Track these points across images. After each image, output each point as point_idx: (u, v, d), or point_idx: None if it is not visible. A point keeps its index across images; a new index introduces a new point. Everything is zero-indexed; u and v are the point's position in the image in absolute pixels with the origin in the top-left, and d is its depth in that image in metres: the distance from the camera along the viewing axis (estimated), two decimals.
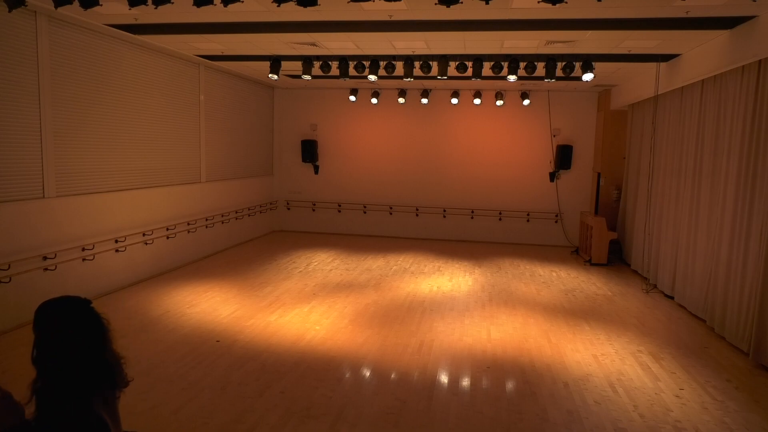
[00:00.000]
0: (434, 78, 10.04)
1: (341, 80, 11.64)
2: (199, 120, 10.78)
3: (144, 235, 8.97)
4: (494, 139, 13.56)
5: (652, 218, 9.80)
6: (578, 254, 12.39)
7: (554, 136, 13.25)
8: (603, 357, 6.15)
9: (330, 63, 9.47)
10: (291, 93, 14.36)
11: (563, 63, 8.76)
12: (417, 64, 9.23)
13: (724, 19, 6.43)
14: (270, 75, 9.67)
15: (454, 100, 12.87)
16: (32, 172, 6.90)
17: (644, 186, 10.23)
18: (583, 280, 9.91)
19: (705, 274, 7.58)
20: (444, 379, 5.52)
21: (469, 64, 9.14)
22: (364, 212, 14.29)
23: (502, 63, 8.94)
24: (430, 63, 9.16)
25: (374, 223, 14.24)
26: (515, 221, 13.61)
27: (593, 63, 8.61)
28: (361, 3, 6.02)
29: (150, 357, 5.78)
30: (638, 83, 10.40)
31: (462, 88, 13.01)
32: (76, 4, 5.42)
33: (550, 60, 8.74)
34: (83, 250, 7.60)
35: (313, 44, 8.49)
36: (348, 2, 5.92)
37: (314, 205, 14.49)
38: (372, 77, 9.54)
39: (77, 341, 1.92)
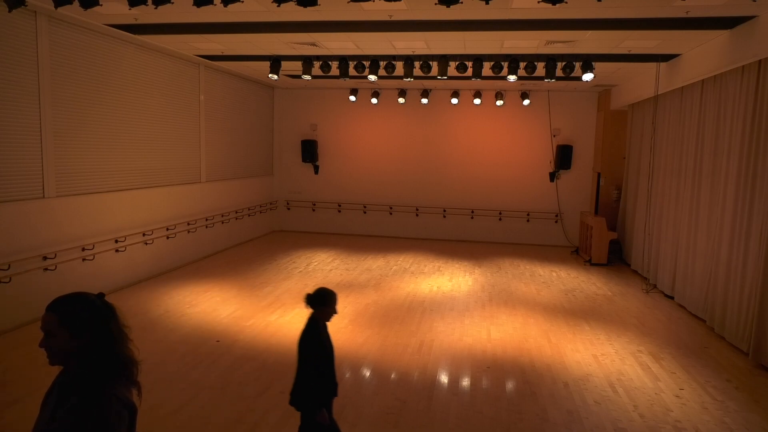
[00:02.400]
0: (434, 78, 10.04)
1: (341, 80, 11.64)
2: (199, 120, 10.78)
3: (144, 235, 8.97)
4: (494, 139, 13.56)
5: (652, 218, 9.80)
6: (578, 254, 12.39)
7: (554, 136, 13.25)
8: (603, 357, 6.15)
9: (330, 63, 9.47)
10: (291, 93, 14.36)
11: (563, 63, 8.76)
12: (417, 64, 9.23)
13: (724, 19, 6.43)
14: (270, 75, 9.67)
15: (454, 100, 12.87)
16: (32, 172, 6.90)
17: (644, 186, 10.24)
18: (583, 280, 9.91)
19: (705, 274, 7.58)
20: (444, 379, 5.52)
21: (469, 64, 9.14)
22: (364, 212, 14.29)
23: (502, 63, 8.94)
24: (430, 63, 9.16)
25: (374, 223, 14.24)
26: (515, 221, 13.61)
27: (593, 63, 8.61)
28: (361, 3, 6.02)
29: (150, 357, 5.78)
30: (638, 83, 10.40)
31: (462, 88, 13.01)
32: (76, 4, 5.43)
33: (550, 60, 8.74)
34: (83, 250, 7.60)
35: (313, 44, 8.49)
36: (348, 2, 5.93)
37: (314, 205, 14.49)
38: (372, 77, 9.54)
39: (110, 333, 1.96)
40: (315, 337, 3.54)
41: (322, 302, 3.54)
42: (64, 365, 1.95)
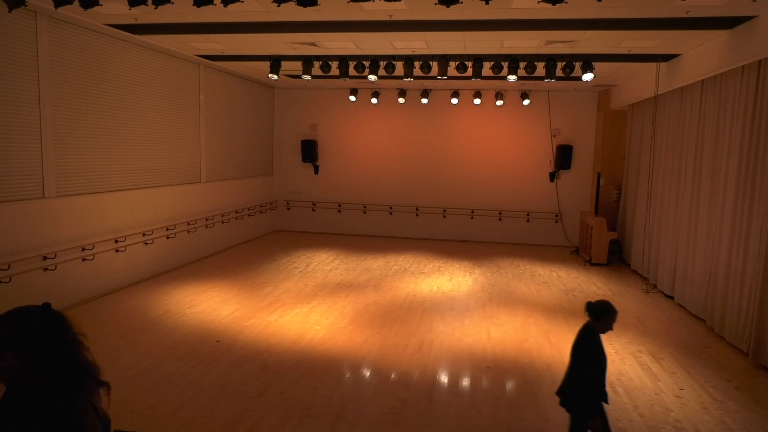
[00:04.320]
0: (434, 78, 10.04)
1: (341, 80, 11.64)
2: (199, 120, 10.78)
3: (144, 235, 8.97)
4: (494, 139, 13.56)
5: (652, 218, 9.80)
6: (578, 254, 12.39)
7: (554, 136, 13.25)
8: None
9: (330, 63, 9.47)
10: (291, 93, 14.36)
11: (563, 63, 8.76)
12: (417, 64, 9.23)
13: (724, 19, 6.43)
14: (270, 75, 9.68)
15: (454, 100, 12.87)
16: (32, 172, 6.90)
17: (644, 186, 10.23)
18: (583, 280, 9.91)
19: (705, 274, 7.58)
20: (444, 379, 5.52)
21: (469, 64, 9.14)
22: (364, 212, 14.29)
23: (502, 63, 8.94)
24: (430, 63, 9.16)
25: (374, 223, 14.24)
26: (515, 221, 13.61)
27: (593, 63, 8.61)
28: (361, 3, 6.02)
29: (150, 357, 5.78)
30: (638, 83, 10.40)
31: (462, 88, 13.01)
32: (76, 4, 5.43)
33: (550, 60, 8.74)
34: (83, 250, 7.60)
35: (313, 44, 8.49)
36: (348, 2, 5.93)
37: (314, 205, 14.49)
38: (372, 77, 9.54)
39: (60, 345, 1.85)
40: (591, 346, 3.63)
41: (602, 315, 3.64)
42: (12, 384, 1.81)
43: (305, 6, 5.27)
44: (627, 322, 7.48)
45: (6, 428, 1.77)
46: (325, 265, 10.55)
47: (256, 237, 13.45)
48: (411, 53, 8.94)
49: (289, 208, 14.63)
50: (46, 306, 1.88)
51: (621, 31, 7.07)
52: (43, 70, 6.95)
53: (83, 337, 1.90)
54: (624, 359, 6.09)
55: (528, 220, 13.56)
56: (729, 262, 6.87)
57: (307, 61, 9.41)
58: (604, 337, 3.65)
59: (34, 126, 6.90)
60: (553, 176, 13.28)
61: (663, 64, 8.97)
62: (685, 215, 8.41)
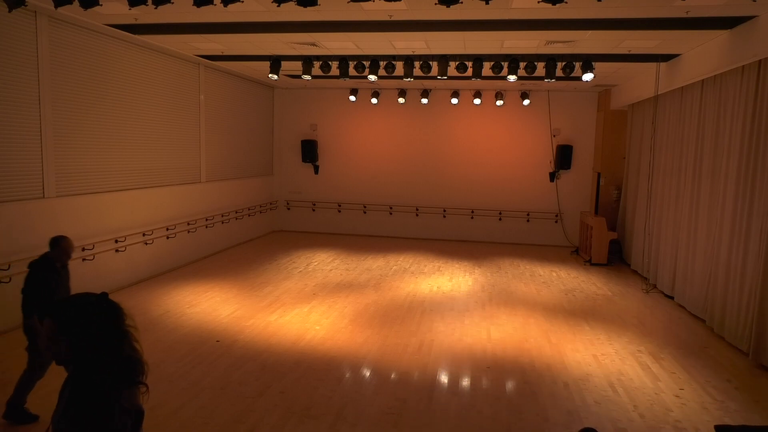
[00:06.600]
0: (434, 78, 10.04)
1: (341, 80, 11.64)
2: (199, 120, 10.77)
3: (144, 235, 8.97)
4: (494, 139, 13.56)
5: (652, 218, 9.80)
6: (578, 254, 12.39)
7: (554, 136, 13.25)
8: (603, 357, 6.15)
9: (330, 63, 9.47)
10: (291, 93, 14.36)
11: (563, 63, 8.76)
12: (417, 64, 9.23)
13: (724, 19, 6.43)
14: (270, 75, 9.68)
15: (454, 100, 12.87)
16: (32, 172, 6.90)
17: (644, 186, 10.23)
18: (583, 280, 9.91)
19: (705, 274, 7.58)
20: (444, 378, 5.52)
21: (469, 64, 9.14)
22: (364, 212, 14.29)
23: (502, 63, 8.94)
24: (430, 63, 9.16)
25: (374, 223, 14.24)
26: (515, 221, 13.61)
27: (593, 63, 8.61)
28: (361, 3, 6.02)
29: (150, 357, 5.73)
30: (638, 83, 10.40)
31: (462, 88, 13.01)
32: (76, 4, 5.43)
33: (550, 60, 8.74)
34: (83, 250, 7.60)
35: (313, 44, 8.49)
36: (348, 2, 5.93)
37: (314, 205, 14.49)
38: (372, 77, 9.54)
39: (111, 335, 1.93)
40: None
41: None
42: (71, 364, 1.94)
43: (305, 6, 5.27)
44: (627, 322, 7.48)
45: (63, 402, 1.89)
46: (325, 265, 10.55)
47: (256, 237, 13.45)
48: (411, 53, 8.94)
49: (289, 208, 14.63)
50: (105, 295, 1.97)
51: (621, 31, 7.07)
52: (43, 70, 6.95)
53: (133, 329, 2.01)
54: (624, 359, 6.09)
55: (528, 220, 13.56)
56: (729, 262, 6.87)
57: (307, 61, 9.41)
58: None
59: (34, 126, 6.90)
60: (553, 176, 13.27)
61: (663, 64, 8.97)
62: (685, 215, 8.41)
